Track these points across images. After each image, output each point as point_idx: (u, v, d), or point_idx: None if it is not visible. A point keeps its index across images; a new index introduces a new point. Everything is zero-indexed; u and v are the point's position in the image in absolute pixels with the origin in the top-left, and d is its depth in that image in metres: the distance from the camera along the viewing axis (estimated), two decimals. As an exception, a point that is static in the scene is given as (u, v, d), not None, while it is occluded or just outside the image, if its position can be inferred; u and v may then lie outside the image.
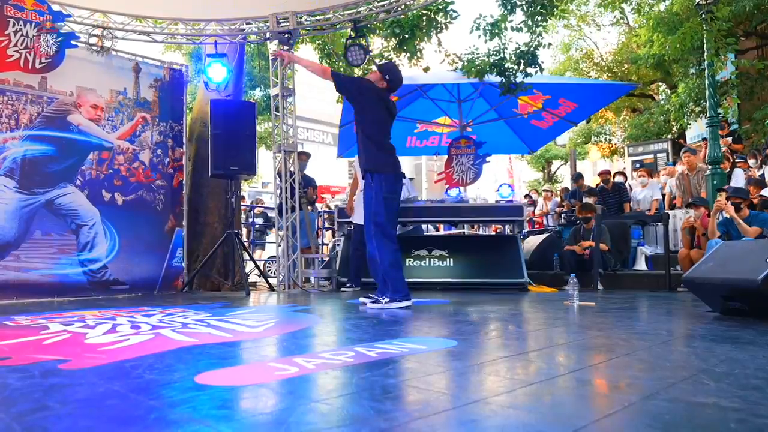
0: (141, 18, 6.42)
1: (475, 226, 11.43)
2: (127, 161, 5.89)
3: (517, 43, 6.49)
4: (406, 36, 7.20)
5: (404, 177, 6.99)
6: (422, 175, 27.14)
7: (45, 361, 1.95)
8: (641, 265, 7.01)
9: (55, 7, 5.27)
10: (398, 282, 3.95)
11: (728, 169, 7.18)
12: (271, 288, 6.38)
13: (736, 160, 7.69)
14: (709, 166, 6.70)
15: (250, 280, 6.76)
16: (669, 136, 13.53)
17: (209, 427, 1.18)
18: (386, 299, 3.89)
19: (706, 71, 6.81)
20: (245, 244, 7.35)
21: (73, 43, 5.34)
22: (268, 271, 9.47)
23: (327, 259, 7.03)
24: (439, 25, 7.03)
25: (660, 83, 15.12)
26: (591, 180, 14.96)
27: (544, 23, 6.59)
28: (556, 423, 1.19)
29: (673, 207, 8.07)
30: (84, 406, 1.37)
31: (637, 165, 12.55)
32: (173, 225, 6.18)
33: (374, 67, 4.28)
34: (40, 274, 5.19)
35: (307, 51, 10.24)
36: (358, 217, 5.75)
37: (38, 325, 3.06)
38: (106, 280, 5.60)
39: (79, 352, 2.14)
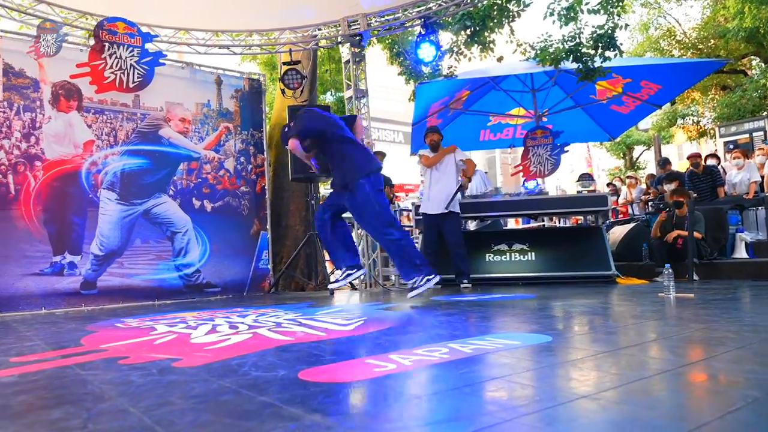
0: (219, 32, 6.73)
1: (554, 219, 11.10)
2: (213, 170, 6.19)
3: (593, 26, 6.25)
4: (477, 28, 7.10)
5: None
6: (496, 169, 26.68)
7: (160, 360, 2.09)
8: (741, 253, 6.54)
9: (144, 29, 5.62)
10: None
11: (838, 146, 6.57)
12: (353, 287, 6.50)
13: None
14: (816, 143, 6.16)
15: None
16: (765, 114, 12.53)
17: (321, 422, 1.22)
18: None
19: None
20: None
21: (160, 61, 5.67)
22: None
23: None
24: (510, 13, 6.89)
25: (753, 57, 14.04)
26: (678, 165, 14.13)
27: (621, 3, 6.30)
28: (674, 419, 1.14)
29: (774, 189, 7.48)
30: (202, 401, 1.46)
31: (731, 146, 11.72)
32: (258, 229, 6.43)
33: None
34: (141, 279, 5.57)
35: (375, 52, 10.34)
36: (432, 207, 5.73)
37: (146, 326, 3.29)
38: (200, 283, 5.92)
39: (187, 351, 2.28)
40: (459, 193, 5.71)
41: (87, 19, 5.80)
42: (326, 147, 4.26)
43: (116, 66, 5.35)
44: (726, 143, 12.31)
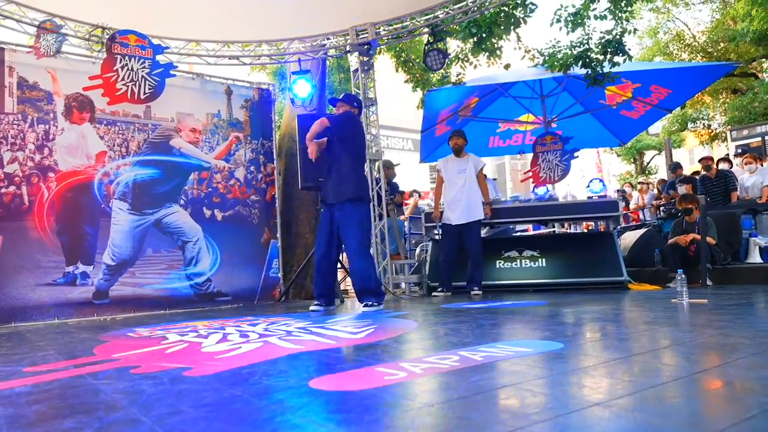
0: (229, 43, 6.79)
1: (565, 225, 11.05)
2: (224, 179, 6.23)
3: (601, 32, 6.24)
4: (484, 35, 7.11)
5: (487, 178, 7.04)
6: (506, 175, 26.64)
7: (170, 369, 2.10)
8: (755, 258, 6.46)
9: (155, 41, 5.69)
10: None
11: None
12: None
13: None
14: (830, 146, 6.08)
15: (342, 288, 6.90)
16: (778, 117, 12.42)
17: (332, 431, 1.22)
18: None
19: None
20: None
21: (171, 72, 5.73)
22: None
23: (416, 264, 7.06)
24: (517, 20, 6.89)
25: (764, 60, 13.94)
26: (689, 169, 14.02)
27: (630, 8, 6.29)
28: (688, 427, 1.13)
29: (788, 193, 7.39)
30: (213, 410, 1.47)
31: (739, 150, 11.59)
32: (268, 237, 6.45)
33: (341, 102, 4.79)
34: (153, 288, 5.60)
35: (383, 60, 10.38)
36: (455, 217, 5.75)
37: (157, 335, 3.31)
38: (211, 292, 5.94)
39: (198, 360, 2.28)
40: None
41: (100, 32, 5.87)
42: (347, 150, 4.48)
43: (128, 78, 5.41)
44: (737, 147, 12.19)
